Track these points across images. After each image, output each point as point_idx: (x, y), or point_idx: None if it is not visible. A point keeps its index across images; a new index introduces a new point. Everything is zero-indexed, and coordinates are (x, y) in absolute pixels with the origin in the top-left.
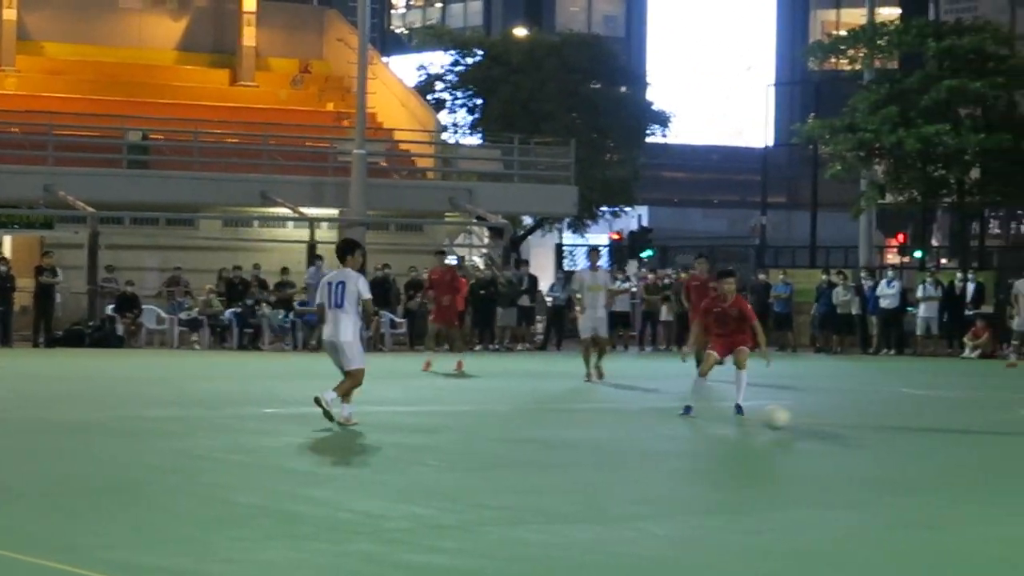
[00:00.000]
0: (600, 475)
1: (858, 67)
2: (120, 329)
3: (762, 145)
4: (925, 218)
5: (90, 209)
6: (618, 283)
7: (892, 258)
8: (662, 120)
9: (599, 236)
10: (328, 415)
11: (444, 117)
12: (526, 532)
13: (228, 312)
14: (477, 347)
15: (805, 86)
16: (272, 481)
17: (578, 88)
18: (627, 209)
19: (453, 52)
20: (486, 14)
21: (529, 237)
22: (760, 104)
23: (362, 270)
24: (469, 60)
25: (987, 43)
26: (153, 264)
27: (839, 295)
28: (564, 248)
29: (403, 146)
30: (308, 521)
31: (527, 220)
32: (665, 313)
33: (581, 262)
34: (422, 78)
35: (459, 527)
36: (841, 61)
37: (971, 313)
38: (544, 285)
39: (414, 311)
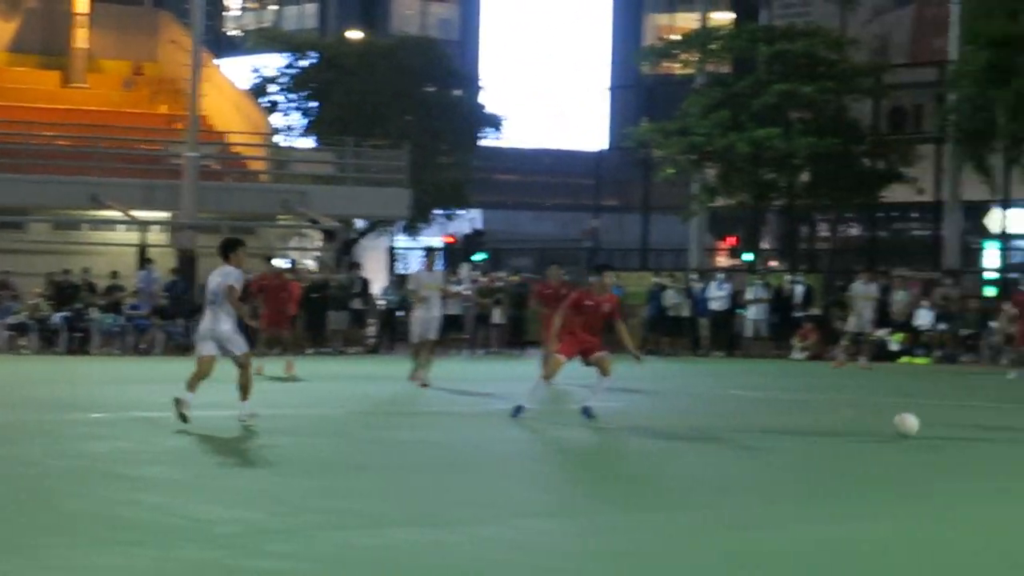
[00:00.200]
0: (431, 478)
1: (691, 71)
2: None
3: (595, 148)
4: (755, 221)
5: None
6: (452, 285)
7: (722, 261)
8: (495, 123)
9: (432, 239)
10: (183, 417)
11: (278, 120)
12: (356, 536)
13: (57, 316)
14: (309, 350)
15: (639, 90)
16: (100, 486)
17: (412, 91)
18: (460, 212)
19: (287, 55)
20: (321, 17)
21: (362, 240)
22: (594, 107)
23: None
24: (303, 63)
25: (818, 48)
26: None
27: (669, 297)
28: (397, 251)
29: (236, 149)
30: (136, 527)
31: (360, 223)
32: (498, 316)
33: (414, 265)
34: (256, 81)
35: (289, 531)
36: (674, 65)
37: (799, 315)
38: (377, 288)
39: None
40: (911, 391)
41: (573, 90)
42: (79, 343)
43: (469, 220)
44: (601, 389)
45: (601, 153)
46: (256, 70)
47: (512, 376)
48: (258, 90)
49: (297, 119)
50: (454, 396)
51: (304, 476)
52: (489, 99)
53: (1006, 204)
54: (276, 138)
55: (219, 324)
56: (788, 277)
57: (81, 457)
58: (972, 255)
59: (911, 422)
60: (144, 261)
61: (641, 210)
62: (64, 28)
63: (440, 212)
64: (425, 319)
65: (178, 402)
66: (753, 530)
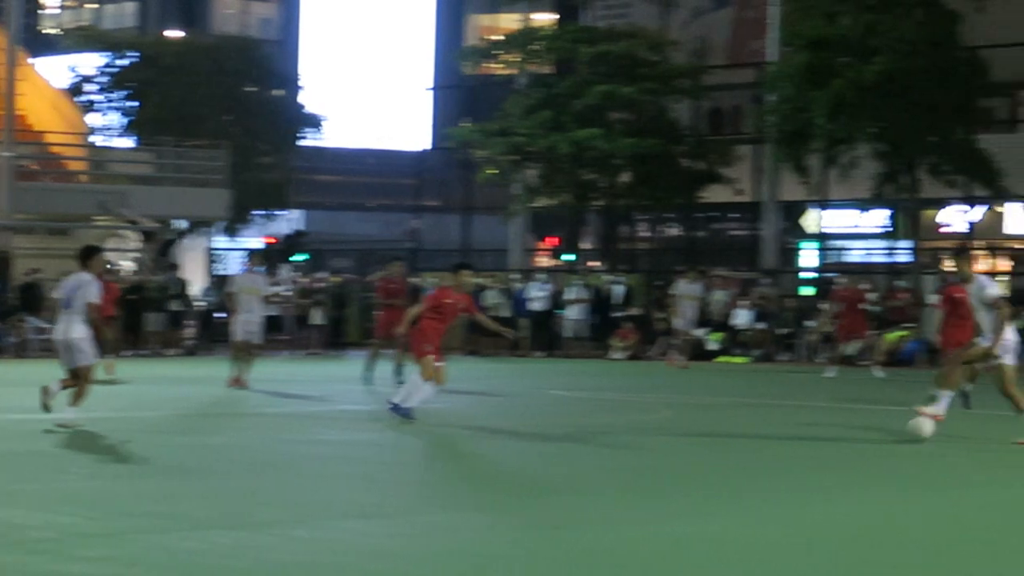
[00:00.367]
0: (246, 480)
1: (513, 71)
2: None
3: (417, 148)
4: (576, 221)
5: None
6: (272, 287)
7: (543, 261)
8: (316, 123)
9: (253, 240)
10: (46, 407)
11: (96, 120)
12: (172, 539)
13: None
14: (127, 352)
15: (461, 90)
16: None
17: (232, 91)
18: (281, 213)
19: (106, 54)
20: (141, 16)
21: (181, 241)
22: (416, 108)
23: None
24: (122, 62)
25: (639, 49)
26: None
27: (490, 298)
28: (216, 252)
29: (54, 149)
30: None
31: (179, 223)
32: (319, 317)
33: (233, 266)
34: (74, 80)
35: (104, 536)
36: (496, 65)
37: (619, 315)
38: (196, 289)
39: None
40: (730, 391)
41: (395, 90)
42: None
43: (290, 221)
44: (419, 392)
45: (423, 153)
46: (73, 69)
47: (333, 377)
48: (75, 89)
49: (116, 119)
50: (274, 398)
51: (121, 480)
52: (310, 99)
53: (823, 204)
54: (94, 138)
55: (71, 332)
56: (608, 277)
57: None
58: (789, 255)
59: (927, 426)
60: None
61: (463, 210)
62: None
63: (260, 213)
64: (246, 321)
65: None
66: (576, 529)
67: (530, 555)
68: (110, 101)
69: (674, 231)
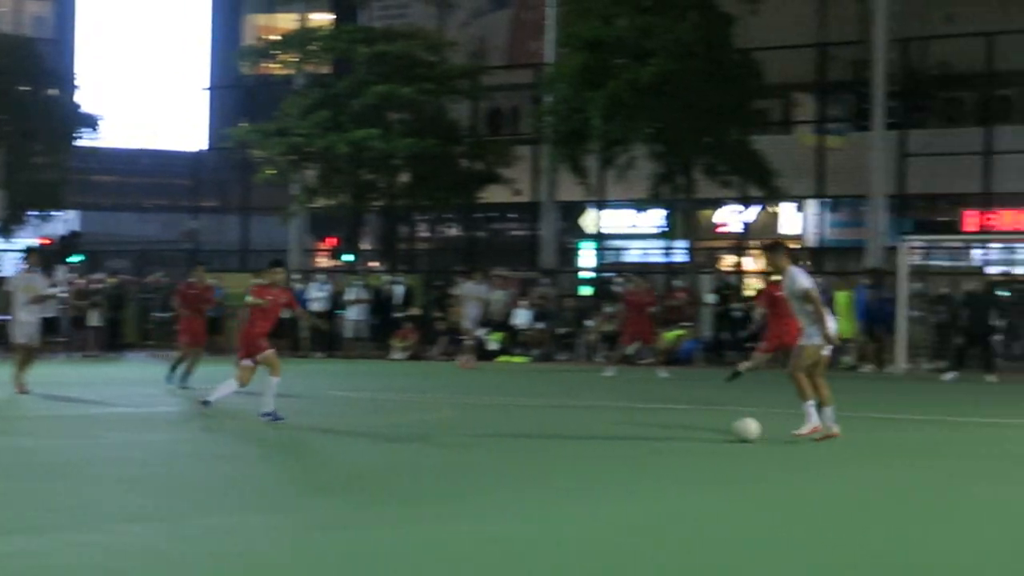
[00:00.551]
0: (27, 485)
1: (291, 72)
2: None
3: (194, 149)
4: (356, 222)
5: None
6: (48, 288)
7: (323, 261)
8: (91, 123)
9: (28, 241)
10: None
11: None
12: None
13: None
14: None
15: (238, 90)
16: None
17: (6, 90)
18: (56, 213)
19: None
20: None
21: None
22: (193, 107)
23: None
24: None
25: (417, 49)
26: None
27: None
28: None
29: None
30: None
31: None
32: (96, 319)
33: (7, 267)
34: None
35: None
36: (274, 66)
37: (399, 315)
38: None
39: None
40: (512, 390)
41: (172, 90)
42: None
43: (65, 222)
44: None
45: (200, 154)
46: None
47: (111, 379)
48: None
49: None
50: (53, 401)
51: None
52: (86, 99)
53: (601, 204)
54: None
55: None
56: (388, 278)
57: None
58: (568, 255)
59: (752, 427)
60: None
61: (241, 211)
62: None
63: (35, 214)
64: (26, 322)
65: None
66: (361, 529)
67: (310, 557)
68: None
69: (453, 231)
